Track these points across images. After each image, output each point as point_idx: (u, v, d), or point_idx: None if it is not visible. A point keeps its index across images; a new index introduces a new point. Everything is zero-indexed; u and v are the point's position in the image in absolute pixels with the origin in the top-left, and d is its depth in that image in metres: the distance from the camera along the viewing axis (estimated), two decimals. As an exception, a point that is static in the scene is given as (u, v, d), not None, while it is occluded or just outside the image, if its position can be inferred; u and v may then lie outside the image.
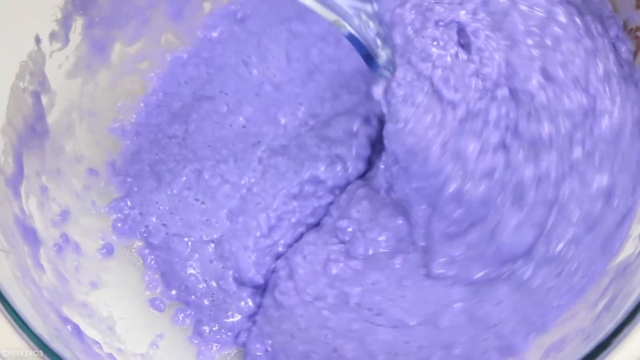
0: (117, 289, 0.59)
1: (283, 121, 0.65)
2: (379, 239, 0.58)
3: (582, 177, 0.52)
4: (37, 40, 0.54)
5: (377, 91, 0.54)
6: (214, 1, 0.68)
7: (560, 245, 0.53)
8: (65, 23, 0.56)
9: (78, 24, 0.58)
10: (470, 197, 0.55)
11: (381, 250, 0.58)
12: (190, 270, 0.61)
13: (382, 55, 0.54)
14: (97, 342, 0.51)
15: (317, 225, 0.63)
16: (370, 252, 0.58)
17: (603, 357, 0.41)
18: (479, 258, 0.55)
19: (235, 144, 0.64)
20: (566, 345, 0.49)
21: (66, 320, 0.49)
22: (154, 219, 0.62)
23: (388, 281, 0.57)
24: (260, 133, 0.65)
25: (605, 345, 0.42)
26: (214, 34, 0.68)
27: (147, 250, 0.62)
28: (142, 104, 0.66)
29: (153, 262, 0.62)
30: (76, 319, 0.51)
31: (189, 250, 0.61)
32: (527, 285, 0.53)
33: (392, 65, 0.54)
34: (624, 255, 0.50)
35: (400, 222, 0.58)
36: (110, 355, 0.51)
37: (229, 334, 0.59)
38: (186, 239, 0.62)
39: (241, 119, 0.65)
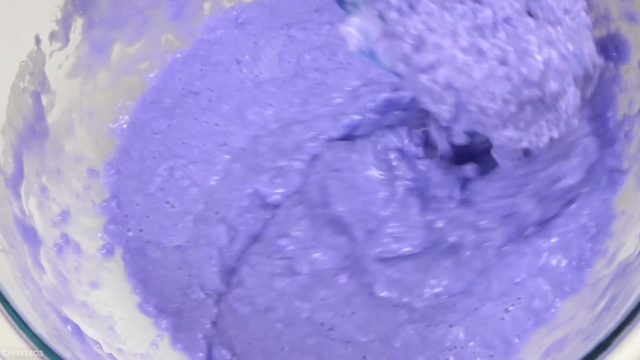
0: (117, 289, 0.59)
1: (249, 120, 0.65)
2: (323, 258, 0.58)
3: (536, 250, 0.56)
4: (37, 40, 0.54)
5: (342, 29, 0.50)
6: (214, 2, 0.68)
7: (501, 289, 0.55)
8: (65, 23, 0.56)
9: (78, 24, 0.58)
10: (409, 243, 0.58)
11: (326, 267, 0.58)
12: (163, 278, 0.60)
13: None
14: (97, 342, 0.51)
15: None
16: (316, 268, 0.58)
17: (603, 357, 0.41)
18: (416, 286, 0.56)
19: (205, 144, 0.64)
20: (566, 345, 0.49)
21: (66, 320, 0.49)
22: (134, 222, 0.62)
23: (336, 297, 0.57)
24: (228, 133, 0.64)
25: (605, 345, 0.42)
26: (214, 36, 0.68)
27: (127, 255, 0.61)
28: (138, 102, 0.66)
29: (130, 268, 0.60)
30: (76, 319, 0.51)
31: (160, 258, 0.60)
32: (476, 314, 0.55)
33: (361, 1, 0.49)
34: (624, 255, 0.50)
35: (343, 239, 0.59)
36: (110, 355, 0.51)
37: (206, 339, 0.58)
38: (160, 246, 0.61)
39: (217, 116, 0.65)
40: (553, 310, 0.54)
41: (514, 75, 0.46)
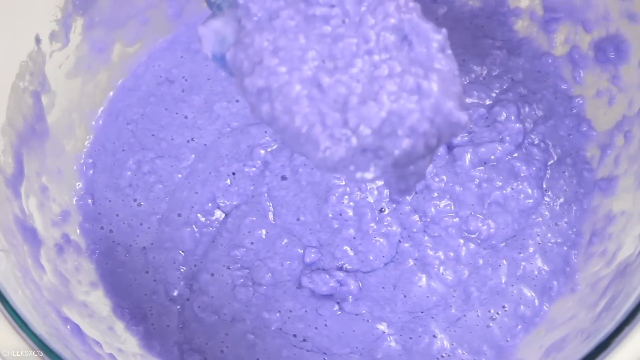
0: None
1: (217, 114, 0.63)
2: (280, 268, 0.58)
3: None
4: (37, 40, 0.54)
5: (200, 30, 0.44)
6: (214, 1, 0.68)
7: (482, 299, 0.55)
8: (65, 23, 0.56)
9: (78, 24, 0.58)
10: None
11: (286, 278, 0.58)
12: (131, 282, 0.58)
13: None
14: (97, 342, 0.51)
15: None
16: (276, 279, 0.58)
17: (603, 357, 0.41)
18: (387, 302, 0.57)
19: (173, 138, 0.63)
20: (566, 345, 0.49)
21: (66, 320, 0.49)
22: (106, 221, 0.60)
23: (305, 309, 0.57)
24: (195, 127, 0.63)
25: (605, 345, 0.42)
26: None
27: (100, 257, 0.59)
28: (117, 89, 0.64)
29: (101, 271, 0.59)
30: (76, 318, 0.51)
31: (128, 260, 0.59)
32: (460, 324, 0.55)
33: (225, 3, 0.44)
34: (624, 255, 0.50)
35: (297, 251, 0.58)
36: (110, 355, 0.51)
37: (177, 346, 0.57)
38: (128, 248, 0.59)
39: (187, 108, 0.64)
40: (542, 314, 0.55)
41: (350, 118, 0.39)
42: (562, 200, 0.59)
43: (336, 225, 0.58)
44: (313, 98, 0.39)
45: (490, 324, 0.55)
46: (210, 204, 0.60)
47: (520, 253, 0.57)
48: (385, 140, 0.39)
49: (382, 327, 0.56)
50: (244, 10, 0.42)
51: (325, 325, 0.56)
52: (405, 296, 0.56)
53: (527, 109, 0.61)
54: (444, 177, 0.59)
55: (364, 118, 0.39)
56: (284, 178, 0.60)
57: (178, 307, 0.58)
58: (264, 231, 0.59)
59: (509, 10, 0.64)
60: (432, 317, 0.56)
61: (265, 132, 0.62)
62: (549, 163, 0.60)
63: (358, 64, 0.40)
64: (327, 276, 0.56)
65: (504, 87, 0.62)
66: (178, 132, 0.63)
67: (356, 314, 0.56)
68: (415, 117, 0.39)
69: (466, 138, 0.60)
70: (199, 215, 0.60)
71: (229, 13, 0.43)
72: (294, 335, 0.56)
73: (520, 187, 0.58)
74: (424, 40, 0.40)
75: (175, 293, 0.58)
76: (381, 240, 0.58)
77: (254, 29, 0.41)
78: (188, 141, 0.63)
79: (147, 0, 0.62)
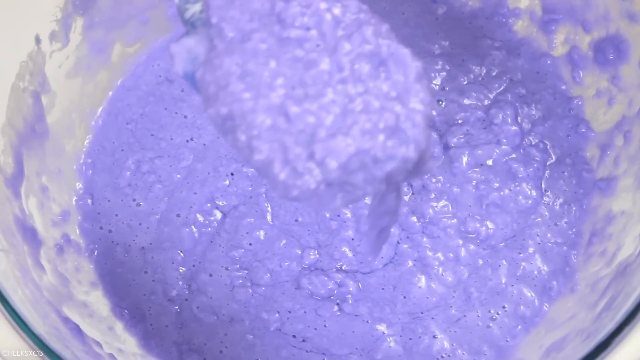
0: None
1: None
2: (279, 269, 0.58)
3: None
4: (37, 40, 0.54)
5: (172, 48, 0.42)
6: (214, 2, 0.68)
7: (482, 300, 0.55)
8: (65, 23, 0.56)
9: (78, 24, 0.58)
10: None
11: (285, 279, 0.58)
12: (130, 282, 0.58)
13: (190, 8, 0.44)
14: (97, 342, 0.51)
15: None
16: (275, 279, 0.58)
17: (603, 357, 0.41)
18: (387, 303, 0.57)
19: (173, 137, 0.63)
20: (566, 345, 0.49)
21: (66, 320, 0.49)
22: (105, 221, 0.60)
23: (304, 309, 0.57)
24: (195, 127, 0.63)
25: (605, 345, 0.42)
26: None
27: (99, 257, 0.59)
28: (117, 88, 0.64)
29: (100, 270, 0.58)
30: (76, 319, 0.51)
31: (127, 260, 0.59)
32: (460, 324, 0.55)
33: (199, 21, 0.43)
34: (624, 255, 0.50)
35: (299, 252, 0.58)
36: (110, 355, 0.51)
37: (176, 346, 0.57)
38: (127, 248, 0.59)
39: (187, 107, 0.63)
40: (542, 314, 0.55)
41: (317, 150, 0.37)
42: (561, 200, 0.59)
43: (334, 226, 0.58)
44: (278, 128, 0.37)
45: (490, 324, 0.55)
46: (209, 204, 0.60)
47: (520, 253, 0.57)
48: (352, 177, 0.37)
49: (382, 327, 0.56)
50: (216, 29, 0.40)
51: (325, 325, 0.56)
52: (404, 297, 0.57)
53: (525, 110, 0.61)
54: (441, 177, 0.59)
55: (331, 151, 0.36)
56: None
57: (177, 307, 0.58)
58: (262, 232, 0.59)
59: (509, 11, 0.64)
60: (432, 318, 0.56)
61: None
62: (547, 163, 0.60)
63: (329, 94, 0.37)
64: (326, 278, 0.57)
65: (503, 87, 0.62)
66: (177, 132, 0.63)
67: (356, 315, 0.56)
68: (394, 166, 0.37)
69: (463, 140, 0.60)
70: (197, 215, 0.60)
71: (202, 32, 0.42)
72: (293, 336, 0.56)
73: (518, 187, 0.58)
74: (402, 67, 0.38)
75: (174, 293, 0.58)
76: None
77: (225, 50, 0.39)
78: (187, 141, 0.63)
79: (147, 0, 0.62)
